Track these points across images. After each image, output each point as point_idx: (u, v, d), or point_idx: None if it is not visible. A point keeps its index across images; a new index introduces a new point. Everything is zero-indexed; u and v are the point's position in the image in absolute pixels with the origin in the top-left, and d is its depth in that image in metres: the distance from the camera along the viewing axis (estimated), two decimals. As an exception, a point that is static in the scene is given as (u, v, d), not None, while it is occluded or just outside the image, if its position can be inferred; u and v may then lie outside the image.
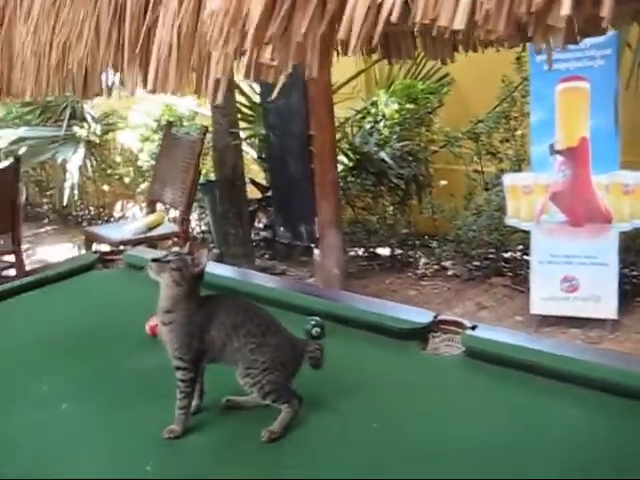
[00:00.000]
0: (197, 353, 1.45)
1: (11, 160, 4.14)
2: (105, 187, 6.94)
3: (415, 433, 1.42)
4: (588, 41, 3.49)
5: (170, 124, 4.53)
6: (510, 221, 3.80)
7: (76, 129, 6.58)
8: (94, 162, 6.68)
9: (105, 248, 3.84)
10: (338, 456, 1.35)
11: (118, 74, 1.70)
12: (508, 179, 3.80)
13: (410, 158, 4.63)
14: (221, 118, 4.40)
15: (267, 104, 4.09)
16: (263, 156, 5.24)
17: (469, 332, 1.76)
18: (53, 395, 1.66)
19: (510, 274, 4.61)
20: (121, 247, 3.19)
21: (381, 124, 4.67)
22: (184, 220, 3.94)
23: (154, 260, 1.48)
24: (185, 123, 6.00)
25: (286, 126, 4.05)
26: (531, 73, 3.72)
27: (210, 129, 4.38)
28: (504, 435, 1.40)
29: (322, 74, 4.34)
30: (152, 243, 3.76)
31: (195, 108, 6.06)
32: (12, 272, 4.04)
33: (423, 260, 5.01)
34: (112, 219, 7.30)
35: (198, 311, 1.47)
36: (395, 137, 4.56)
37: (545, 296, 3.72)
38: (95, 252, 2.78)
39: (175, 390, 1.45)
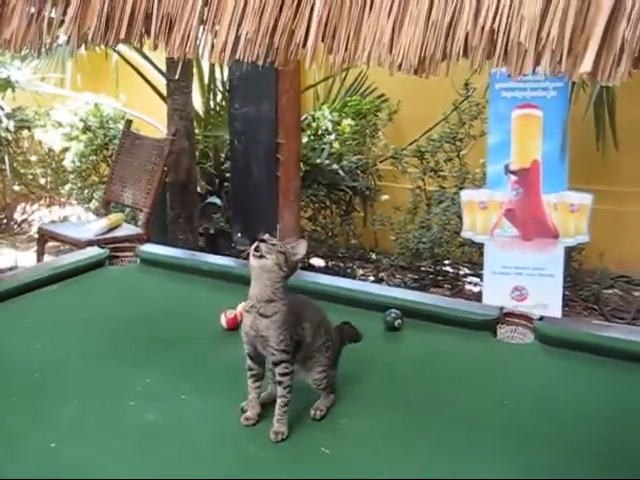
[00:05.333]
0: (295, 345, 1.47)
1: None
2: (16, 187, 6.54)
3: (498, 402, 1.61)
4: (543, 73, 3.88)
5: (130, 123, 4.41)
6: (466, 234, 4.07)
7: (-17, 123, 6.15)
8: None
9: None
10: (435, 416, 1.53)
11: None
12: (465, 195, 4.08)
13: (358, 172, 4.82)
14: (179, 121, 4.36)
15: (235, 110, 4.12)
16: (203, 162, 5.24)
17: (539, 322, 1.96)
18: (161, 387, 1.61)
19: (447, 285, 4.91)
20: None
21: (332, 136, 4.82)
22: (148, 221, 3.84)
23: (261, 241, 1.45)
24: (112, 125, 5.83)
25: (253, 133, 4.09)
26: (490, 98, 4.04)
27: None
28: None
29: (294, 84, 4.40)
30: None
31: (122, 108, 5.91)
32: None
33: (360, 272, 5.21)
34: (12, 223, 6.87)
35: (290, 303, 1.48)
36: (349, 151, 4.73)
37: (497, 304, 4.00)
38: (102, 248, 2.69)
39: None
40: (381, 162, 5.09)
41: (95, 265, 2.51)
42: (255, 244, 1.45)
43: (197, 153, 5.18)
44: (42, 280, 2.30)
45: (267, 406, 1.48)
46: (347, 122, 4.82)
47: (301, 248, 1.49)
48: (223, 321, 1.95)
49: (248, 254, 1.48)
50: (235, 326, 1.93)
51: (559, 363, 1.83)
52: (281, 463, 1.34)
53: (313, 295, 2.10)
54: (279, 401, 1.43)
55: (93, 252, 2.63)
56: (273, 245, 1.45)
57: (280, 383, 1.43)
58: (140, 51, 4.96)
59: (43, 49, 1.53)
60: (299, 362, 1.49)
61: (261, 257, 1.44)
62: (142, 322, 2.04)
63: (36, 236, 4.58)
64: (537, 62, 0.99)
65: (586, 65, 0.92)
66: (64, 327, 1.98)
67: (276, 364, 1.44)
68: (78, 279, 2.40)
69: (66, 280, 2.37)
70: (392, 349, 1.89)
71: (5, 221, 6.97)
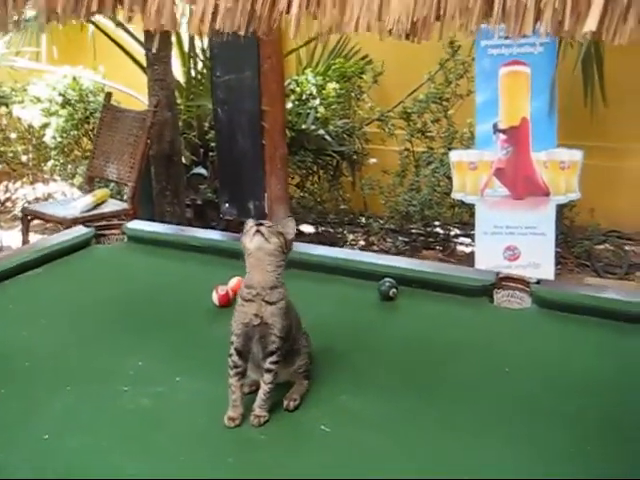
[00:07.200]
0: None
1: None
2: (-4, 166, 6.41)
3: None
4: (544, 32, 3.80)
5: (109, 96, 4.30)
6: (456, 195, 4.03)
7: (-41, 101, 6.00)
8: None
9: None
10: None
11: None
12: (455, 155, 4.02)
13: (345, 136, 4.75)
14: (160, 91, 4.25)
15: (217, 78, 4.02)
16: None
17: (536, 285, 1.93)
18: (155, 370, 1.56)
19: (439, 247, 4.89)
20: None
21: (317, 101, 4.73)
22: (134, 196, 3.78)
23: (259, 224, 1.41)
24: (92, 98, 5.70)
25: (237, 101, 4.01)
26: (476, 56, 3.96)
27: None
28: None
29: (276, 49, 4.29)
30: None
31: (101, 80, 5.78)
32: None
33: (350, 236, 5.17)
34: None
35: None
36: (335, 115, 4.65)
37: (489, 264, 3.99)
38: (88, 227, 2.63)
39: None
40: (367, 125, 5.03)
41: (81, 245, 2.45)
42: (254, 228, 1.39)
43: (180, 123, 5.08)
44: (27, 264, 2.23)
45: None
46: (331, 86, 4.74)
47: (291, 227, 1.45)
48: (215, 298, 1.91)
49: (238, 227, 1.43)
50: (227, 303, 1.90)
51: (557, 327, 1.80)
52: (282, 443, 1.31)
53: (306, 267, 2.08)
54: (266, 388, 1.38)
55: (78, 232, 2.56)
56: (270, 227, 1.40)
57: (269, 371, 1.39)
58: (116, 21, 4.82)
59: (10, 25, 1.44)
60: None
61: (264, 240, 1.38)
62: (132, 302, 1.99)
63: (20, 215, 4.50)
64: (537, 21, 0.93)
65: (590, 24, 0.86)
66: (51, 312, 1.93)
67: (273, 352, 1.39)
68: (64, 260, 2.34)
69: (52, 262, 2.31)
70: (388, 319, 1.86)
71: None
